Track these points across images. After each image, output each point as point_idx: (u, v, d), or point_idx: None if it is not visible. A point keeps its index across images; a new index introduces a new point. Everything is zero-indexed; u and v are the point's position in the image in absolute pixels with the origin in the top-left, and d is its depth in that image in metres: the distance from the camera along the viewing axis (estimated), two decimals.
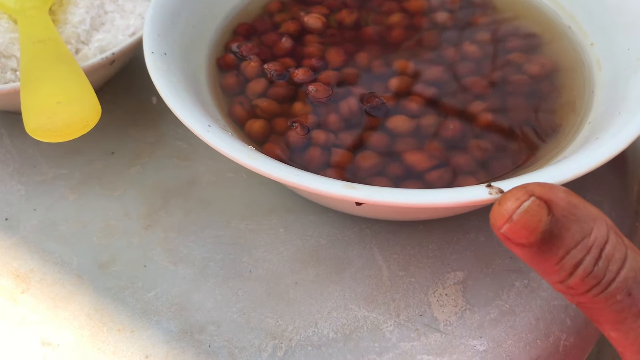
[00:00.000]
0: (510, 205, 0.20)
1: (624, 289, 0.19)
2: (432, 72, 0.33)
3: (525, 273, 0.29)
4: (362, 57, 0.34)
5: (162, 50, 0.29)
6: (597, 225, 0.20)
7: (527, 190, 0.20)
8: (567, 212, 0.19)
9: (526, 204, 0.20)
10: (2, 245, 0.32)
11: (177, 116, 0.26)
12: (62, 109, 0.27)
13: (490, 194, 0.22)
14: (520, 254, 0.20)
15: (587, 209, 0.20)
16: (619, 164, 0.34)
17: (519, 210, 0.20)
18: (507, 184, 0.22)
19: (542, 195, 0.20)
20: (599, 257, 0.19)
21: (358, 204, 0.24)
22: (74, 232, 0.32)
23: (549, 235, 0.19)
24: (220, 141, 0.25)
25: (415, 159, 0.29)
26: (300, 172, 0.23)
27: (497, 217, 0.20)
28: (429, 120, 0.30)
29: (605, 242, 0.19)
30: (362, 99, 0.31)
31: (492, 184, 0.22)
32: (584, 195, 0.20)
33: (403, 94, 0.32)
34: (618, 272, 0.19)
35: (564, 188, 0.20)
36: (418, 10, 0.37)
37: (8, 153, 0.36)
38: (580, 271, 0.19)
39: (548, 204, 0.19)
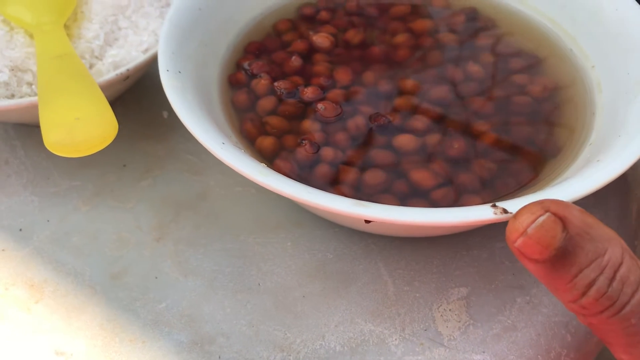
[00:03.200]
0: (525, 219, 0.20)
1: (638, 313, 0.19)
2: (437, 91, 0.34)
3: (527, 289, 0.30)
4: (369, 76, 0.35)
5: (177, 68, 0.30)
6: (611, 246, 0.20)
7: (543, 205, 0.20)
8: (582, 230, 0.20)
9: (541, 219, 0.20)
10: (16, 256, 0.32)
11: (193, 134, 0.26)
12: (81, 125, 0.28)
13: (495, 213, 0.23)
14: (533, 270, 0.20)
15: (602, 230, 0.20)
16: (619, 184, 0.35)
17: (533, 225, 0.20)
18: (511, 204, 0.23)
19: (557, 212, 0.20)
20: (613, 278, 0.19)
21: (367, 221, 0.25)
22: (87, 244, 0.33)
23: (562, 253, 0.19)
24: (234, 158, 0.25)
25: (421, 177, 0.29)
26: (312, 190, 0.24)
27: (512, 230, 0.20)
28: (434, 139, 0.31)
29: (620, 264, 0.19)
30: (370, 118, 0.32)
31: (497, 204, 0.23)
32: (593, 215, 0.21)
33: (409, 112, 0.33)
34: (633, 295, 0.19)
35: (579, 207, 0.20)
36: (423, 30, 0.38)
37: (22, 164, 0.37)
38: (593, 291, 0.19)
39: (563, 221, 0.20)
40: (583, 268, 0.19)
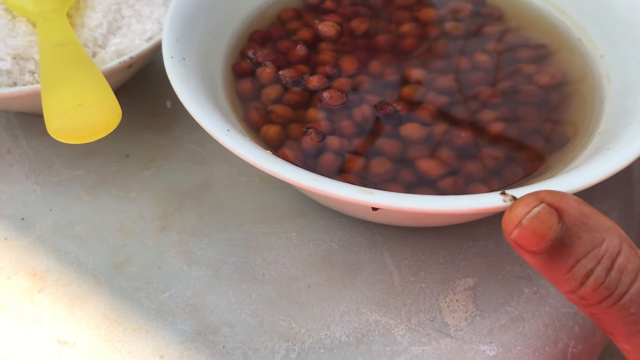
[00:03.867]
0: (520, 210, 0.20)
1: (638, 302, 0.19)
2: (444, 80, 0.33)
3: (535, 280, 0.30)
4: (375, 65, 0.34)
5: (181, 55, 0.30)
6: (609, 236, 0.19)
7: (538, 197, 0.20)
8: (579, 220, 0.19)
9: (536, 209, 0.20)
10: (19, 245, 0.32)
11: (197, 121, 0.26)
12: (84, 111, 0.28)
13: (504, 201, 0.22)
14: (531, 262, 0.20)
15: (600, 219, 0.20)
16: (626, 174, 0.35)
17: (528, 216, 0.20)
18: (521, 192, 0.22)
19: (552, 203, 0.20)
20: (611, 267, 0.19)
21: (374, 209, 0.24)
22: (90, 233, 0.32)
23: (559, 243, 0.19)
24: (239, 146, 0.25)
25: (428, 166, 0.29)
26: (318, 177, 0.24)
27: (507, 222, 0.20)
28: (441, 128, 0.31)
29: (618, 253, 0.19)
30: (376, 107, 0.31)
31: (506, 191, 0.23)
32: (591, 205, 0.20)
33: (415, 102, 0.32)
34: (631, 284, 0.19)
35: (576, 197, 0.20)
36: (429, 19, 0.38)
37: (24, 154, 0.36)
38: (591, 281, 0.19)
39: (559, 212, 0.19)
40: (580, 258, 0.19)
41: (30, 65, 0.35)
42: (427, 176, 0.29)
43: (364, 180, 0.29)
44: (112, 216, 0.33)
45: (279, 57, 0.35)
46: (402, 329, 0.28)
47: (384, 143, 0.30)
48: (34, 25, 0.37)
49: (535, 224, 0.19)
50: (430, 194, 0.28)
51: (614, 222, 0.20)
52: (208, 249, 0.32)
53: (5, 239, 0.32)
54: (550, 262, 0.20)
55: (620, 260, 0.19)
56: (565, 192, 0.20)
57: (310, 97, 0.32)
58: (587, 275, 0.19)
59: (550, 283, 0.21)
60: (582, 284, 0.19)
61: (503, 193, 0.23)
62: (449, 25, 0.37)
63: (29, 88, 0.32)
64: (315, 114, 0.31)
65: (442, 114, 0.32)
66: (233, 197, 0.34)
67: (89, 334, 0.28)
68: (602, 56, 0.34)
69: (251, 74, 0.34)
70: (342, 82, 0.33)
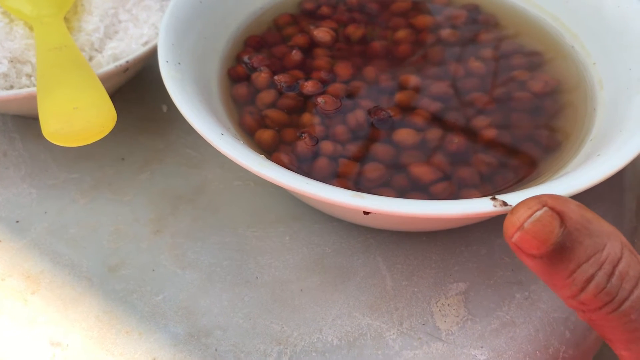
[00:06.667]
0: (522, 213, 0.20)
1: (638, 308, 0.19)
2: (438, 87, 0.34)
3: (526, 285, 0.30)
4: (369, 71, 0.35)
5: (176, 59, 0.30)
6: (610, 242, 0.19)
7: (540, 200, 0.20)
8: (580, 225, 0.19)
9: (538, 213, 0.20)
10: (14, 247, 0.32)
11: (192, 124, 0.26)
12: (79, 115, 0.28)
13: (495, 206, 0.23)
14: (531, 266, 0.20)
15: (601, 225, 0.20)
16: (618, 180, 0.35)
17: (530, 219, 0.20)
18: (511, 197, 0.23)
19: (555, 207, 0.20)
20: (612, 273, 0.19)
21: (366, 213, 0.24)
22: (84, 236, 0.33)
23: (560, 248, 0.19)
24: (232, 149, 0.25)
25: (421, 171, 0.29)
26: (311, 181, 0.24)
27: (508, 225, 0.20)
28: (434, 134, 0.31)
29: (619, 259, 0.19)
30: (370, 112, 0.32)
31: (497, 196, 0.23)
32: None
33: (409, 107, 0.32)
34: (632, 291, 0.19)
35: (577, 202, 0.20)
36: (424, 26, 0.38)
37: (20, 157, 0.37)
38: (592, 287, 0.19)
39: (561, 216, 0.19)
40: (581, 263, 0.19)
41: (27, 69, 0.35)
42: (420, 181, 0.29)
43: (358, 184, 0.29)
44: (107, 219, 0.33)
45: (275, 62, 0.35)
46: (393, 333, 0.28)
47: (378, 148, 0.30)
48: (31, 28, 0.37)
49: (537, 228, 0.19)
50: (423, 198, 0.28)
51: (615, 228, 0.20)
52: (202, 252, 0.32)
53: (0, 241, 0.32)
54: (550, 267, 0.20)
55: (621, 266, 0.19)
56: (567, 197, 0.20)
57: (305, 102, 0.33)
58: (588, 280, 0.19)
59: (550, 288, 0.21)
60: (582, 289, 0.19)
61: (494, 198, 0.23)
62: (444, 32, 0.38)
63: (25, 91, 0.32)
64: (309, 118, 0.32)
65: (436, 120, 0.32)
66: (227, 200, 0.34)
67: (82, 336, 0.28)
68: (594, 63, 0.34)
69: (246, 78, 0.34)
70: (336, 87, 0.33)
